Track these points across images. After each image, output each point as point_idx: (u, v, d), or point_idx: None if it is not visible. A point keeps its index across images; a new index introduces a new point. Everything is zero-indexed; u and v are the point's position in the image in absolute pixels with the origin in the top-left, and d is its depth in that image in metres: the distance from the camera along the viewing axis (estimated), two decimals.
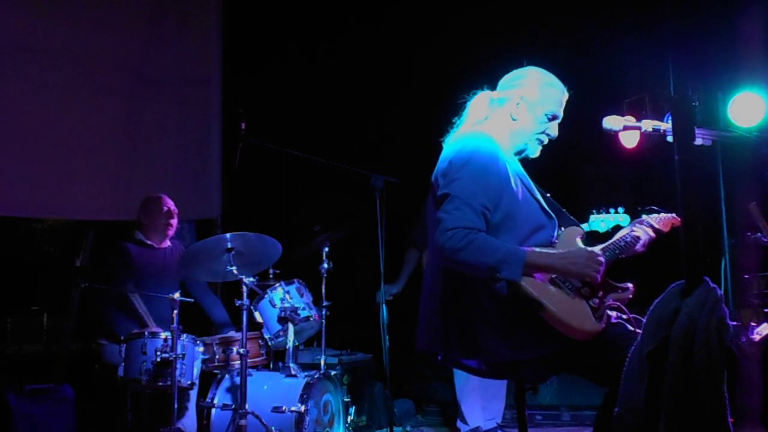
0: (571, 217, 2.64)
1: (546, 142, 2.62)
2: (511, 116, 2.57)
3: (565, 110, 2.65)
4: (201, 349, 4.00)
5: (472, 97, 2.64)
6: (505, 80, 2.65)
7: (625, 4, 5.13)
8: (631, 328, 2.31)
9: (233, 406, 3.78)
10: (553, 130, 2.61)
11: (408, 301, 2.73)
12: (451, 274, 2.37)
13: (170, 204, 4.44)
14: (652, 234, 2.75)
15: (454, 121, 2.64)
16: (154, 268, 4.28)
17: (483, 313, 2.30)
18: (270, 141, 4.37)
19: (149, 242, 4.35)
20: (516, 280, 2.23)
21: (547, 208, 2.52)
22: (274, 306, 4.08)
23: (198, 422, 4.07)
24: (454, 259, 2.26)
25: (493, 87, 2.67)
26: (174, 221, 4.43)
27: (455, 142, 2.48)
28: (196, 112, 5.91)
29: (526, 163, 2.65)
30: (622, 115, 2.38)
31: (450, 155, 2.44)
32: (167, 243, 4.47)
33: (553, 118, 2.59)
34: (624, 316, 2.38)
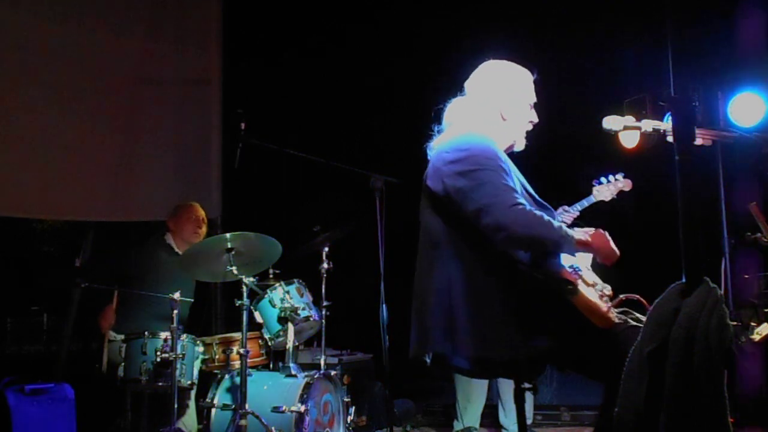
0: (552, 209, 2.66)
1: (530, 129, 2.65)
2: (501, 116, 2.57)
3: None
4: (201, 349, 4.00)
5: (447, 105, 2.62)
6: (480, 80, 2.62)
7: (625, 5, 5.13)
8: (633, 323, 2.32)
9: (233, 406, 3.78)
10: (534, 116, 2.63)
11: (408, 301, 2.72)
12: (462, 267, 2.33)
13: (200, 212, 4.47)
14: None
15: (433, 128, 2.62)
16: (170, 275, 4.24)
17: (499, 305, 2.28)
18: (270, 141, 4.36)
19: (177, 249, 4.37)
20: (573, 255, 2.32)
21: (542, 201, 2.54)
22: (274, 306, 4.08)
23: (198, 422, 4.07)
24: (524, 234, 2.23)
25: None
26: (201, 230, 4.46)
27: (456, 143, 2.43)
28: (196, 112, 5.91)
29: (524, 162, 2.65)
30: (622, 115, 2.38)
31: (458, 154, 2.37)
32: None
33: (534, 105, 2.62)
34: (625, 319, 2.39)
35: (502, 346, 2.28)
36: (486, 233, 2.28)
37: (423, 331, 2.41)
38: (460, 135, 2.47)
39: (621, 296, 2.38)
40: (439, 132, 2.61)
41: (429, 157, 2.54)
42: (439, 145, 2.50)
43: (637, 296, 2.41)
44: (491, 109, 2.57)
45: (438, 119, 2.63)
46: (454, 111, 2.60)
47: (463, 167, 2.34)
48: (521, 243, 2.28)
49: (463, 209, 2.32)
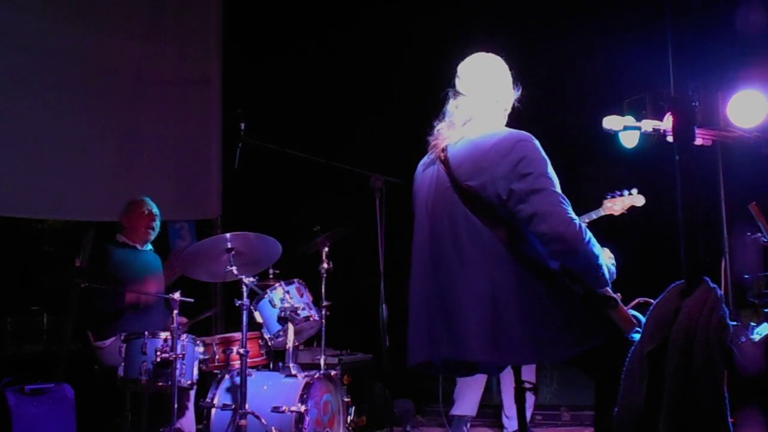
0: None
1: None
2: (504, 111, 2.57)
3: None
4: (201, 349, 4.00)
5: (450, 100, 2.57)
6: (484, 77, 2.55)
7: (625, 4, 5.13)
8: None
9: (233, 406, 3.78)
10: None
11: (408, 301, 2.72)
12: (509, 270, 2.28)
13: (152, 207, 4.44)
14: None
15: (434, 124, 2.59)
16: (135, 270, 4.27)
17: (549, 308, 2.27)
18: (270, 141, 4.36)
19: (131, 243, 4.36)
20: (608, 284, 2.32)
21: None
22: (274, 306, 4.08)
23: (198, 422, 4.07)
24: (580, 248, 2.22)
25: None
26: (155, 224, 4.43)
27: (504, 143, 2.35)
28: (196, 112, 5.91)
29: None
30: (622, 115, 2.38)
31: (512, 156, 2.31)
32: (148, 247, 4.48)
33: None
34: None
35: (554, 350, 2.27)
36: (538, 240, 2.27)
37: (455, 336, 2.33)
38: (504, 135, 2.40)
39: (638, 299, 2.40)
40: (439, 130, 2.57)
41: (449, 154, 2.44)
42: (468, 143, 2.43)
43: (651, 300, 2.42)
44: (499, 106, 2.55)
45: (440, 113, 2.59)
46: (466, 108, 2.52)
47: (520, 170, 2.29)
48: (576, 257, 2.25)
49: (514, 211, 2.28)
